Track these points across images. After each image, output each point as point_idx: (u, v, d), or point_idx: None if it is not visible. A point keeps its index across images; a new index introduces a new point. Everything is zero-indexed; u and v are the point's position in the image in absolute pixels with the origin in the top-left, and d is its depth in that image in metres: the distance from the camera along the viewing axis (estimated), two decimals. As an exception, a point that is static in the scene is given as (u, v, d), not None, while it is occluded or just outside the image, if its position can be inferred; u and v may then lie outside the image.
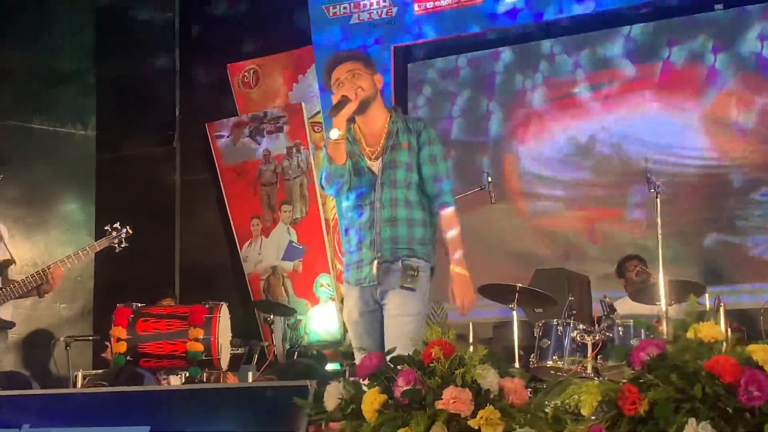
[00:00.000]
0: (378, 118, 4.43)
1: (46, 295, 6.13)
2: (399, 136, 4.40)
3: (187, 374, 6.43)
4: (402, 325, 4.29)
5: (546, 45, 9.24)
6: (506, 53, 9.44)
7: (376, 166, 4.38)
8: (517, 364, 6.38)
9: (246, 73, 10.15)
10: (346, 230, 4.51)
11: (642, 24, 8.79)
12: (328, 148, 4.28)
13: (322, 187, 4.47)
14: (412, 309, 4.33)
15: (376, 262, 4.34)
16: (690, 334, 2.88)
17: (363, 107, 4.35)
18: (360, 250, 4.41)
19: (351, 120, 4.41)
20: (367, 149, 4.42)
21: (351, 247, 4.48)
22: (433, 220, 4.45)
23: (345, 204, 4.47)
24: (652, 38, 8.79)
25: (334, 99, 4.26)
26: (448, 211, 4.40)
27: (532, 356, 6.51)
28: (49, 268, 5.98)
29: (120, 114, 10.26)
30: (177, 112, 10.27)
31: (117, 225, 6.54)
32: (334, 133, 4.20)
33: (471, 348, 3.31)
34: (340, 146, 4.24)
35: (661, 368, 2.85)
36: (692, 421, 2.71)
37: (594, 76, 9.01)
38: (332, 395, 3.41)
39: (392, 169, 4.36)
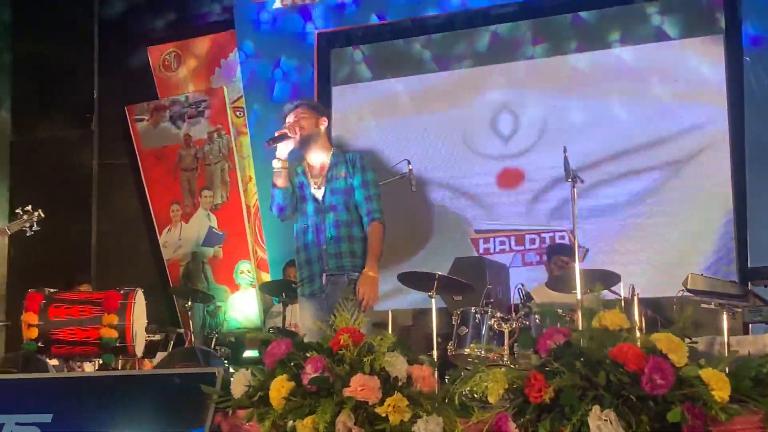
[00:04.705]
0: (321, 154, 5.12)
1: None
2: (338, 167, 5.08)
3: (101, 361, 6.33)
4: None
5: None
6: (431, 39, 9.42)
7: (320, 193, 5.06)
8: (435, 352, 6.38)
9: (167, 56, 9.99)
10: (298, 250, 5.14)
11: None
12: (273, 176, 5.01)
13: (271, 210, 5.17)
14: None
15: (324, 275, 4.98)
16: (595, 323, 2.90)
17: (306, 144, 5.07)
18: (310, 265, 5.06)
19: (301, 156, 5.13)
20: (313, 180, 5.11)
21: (302, 264, 5.12)
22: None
23: (296, 227, 5.15)
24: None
25: (277, 133, 4.99)
26: (375, 225, 5.03)
27: (450, 344, 6.50)
28: None
29: (37, 95, 10.03)
30: (95, 95, 10.07)
31: (29, 208, 6.39)
32: (277, 163, 4.99)
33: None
34: (282, 174, 5.01)
35: (566, 356, 2.86)
36: (596, 408, 2.73)
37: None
38: (240, 382, 3.37)
39: (333, 195, 5.04)
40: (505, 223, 8.59)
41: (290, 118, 5.10)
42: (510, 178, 8.67)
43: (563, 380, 2.79)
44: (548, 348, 2.90)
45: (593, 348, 2.83)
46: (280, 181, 5.03)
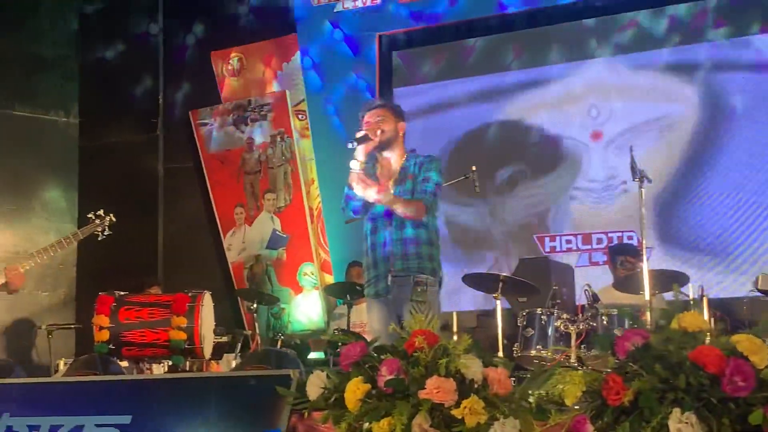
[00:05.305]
0: (396, 157, 5.21)
1: (14, 293, 6.08)
2: (408, 169, 5.16)
3: (170, 363, 6.40)
4: None
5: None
6: (486, 41, 9.45)
7: None
8: (500, 354, 6.36)
9: (230, 61, 10.09)
10: (366, 251, 5.19)
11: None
12: (349, 176, 5.02)
13: (343, 210, 5.24)
14: None
15: (390, 276, 5.02)
16: (674, 324, 2.87)
17: (384, 146, 5.15)
18: (376, 266, 5.11)
19: (374, 157, 5.17)
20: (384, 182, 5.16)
21: (369, 265, 5.17)
22: (437, 240, 5.19)
23: (365, 228, 5.20)
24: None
25: (359, 134, 5.03)
26: (418, 201, 5.08)
27: (515, 345, 6.48)
28: (6, 270, 5.88)
29: (103, 101, 10.20)
30: (161, 100, 10.21)
31: (101, 212, 6.49)
32: (355, 164, 5.00)
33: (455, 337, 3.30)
34: (359, 175, 5.00)
35: (645, 358, 2.84)
36: (676, 411, 2.70)
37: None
38: (315, 384, 3.40)
39: (401, 196, 5.09)
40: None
41: (369, 118, 5.18)
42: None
43: (642, 382, 2.77)
44: (626, 350, 2.88)
45: (672, 350, 2.81)
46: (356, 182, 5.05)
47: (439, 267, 5.18)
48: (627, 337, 2.90)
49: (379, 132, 5.08)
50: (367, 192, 4.98)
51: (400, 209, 5.01)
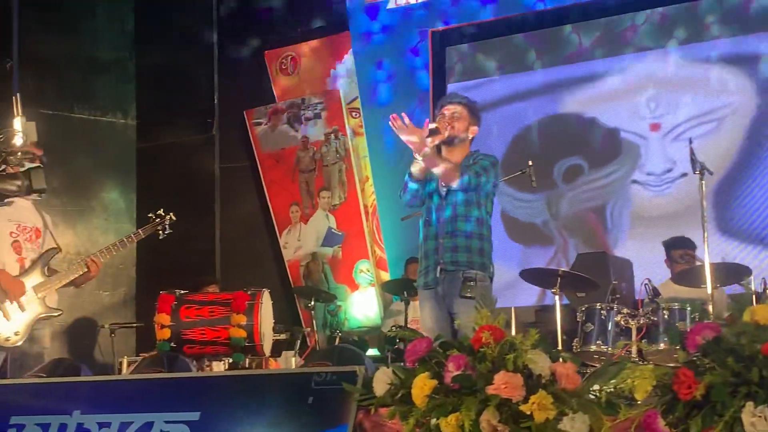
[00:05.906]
0: (459, 155, 5.19)
1: (82, 285, 6.17)
2: (463, 166, 5.10)
3: (231, 360, 6.45)
4: None
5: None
6: (541, 34, 9.42)
7: (444, 190, 5.15)
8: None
9: (283, 60, 10.14)
10: (420, 243, 5.23)
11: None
12: (413, 166, 5.05)
13: (400, 197, 5.27)
14: None
15: (439, 268, 5.04)
16: (746, 317, 2.85)
17: (450, 142, 5.15)
18: (427, 258, 5.15)
19: (438, 150, 5.13)
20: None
21: (421, 257, 5.22)
22: (489, 235, 5.18)
23: (420, 221, 5.25)
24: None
25: (430, 127, 4.96)
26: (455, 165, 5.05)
27: (575, 341, 6.44)
28: (88, 260, 5.97)
29: (160, 102, 10.31)
30: (216, 100, 10.30)
31: (161, 212, 6.56)
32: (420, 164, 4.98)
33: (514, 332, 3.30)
34: (423, 168, 5.02)
35: (717, 352, 2.81)
36: (750, 404, 2.68)
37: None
38: (381, 380, 3.41)
39: (455, 191, 5.09)
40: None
41: (446, 110, 5.20)
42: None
43: (714, 376, 2.75)
44: (697, 344, 2.86)
45: (745, 343, 2.78)
46: (418, 173, 5.07)
47: (490, 261, 5.16)
48: (697, 331, 2.88)
49: (449, 128, 5.11)
50: (410, 137, 4.89)
51: (435, 165, 4.97)
